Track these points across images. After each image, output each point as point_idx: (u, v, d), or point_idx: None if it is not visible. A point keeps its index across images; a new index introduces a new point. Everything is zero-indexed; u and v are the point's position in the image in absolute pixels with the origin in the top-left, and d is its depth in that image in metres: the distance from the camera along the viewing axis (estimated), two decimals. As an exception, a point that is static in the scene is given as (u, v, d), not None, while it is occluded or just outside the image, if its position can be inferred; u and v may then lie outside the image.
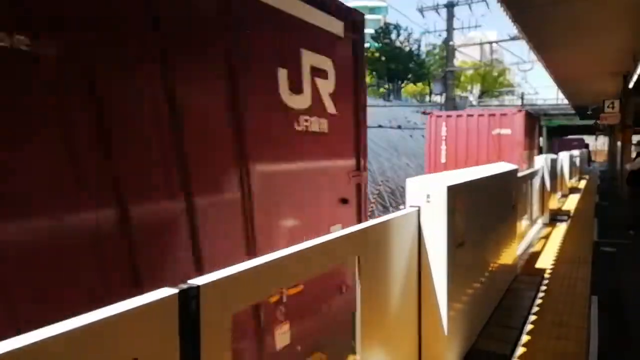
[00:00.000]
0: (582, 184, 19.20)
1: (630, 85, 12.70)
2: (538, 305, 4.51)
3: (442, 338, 2.98)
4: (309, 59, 3.14)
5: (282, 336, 2.81)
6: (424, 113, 17.05)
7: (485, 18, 46.28)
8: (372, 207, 16.44)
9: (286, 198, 3.01)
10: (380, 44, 40.85)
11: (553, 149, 30.86)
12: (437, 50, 32.41)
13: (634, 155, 13.71)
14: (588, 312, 4.36)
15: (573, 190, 16.00)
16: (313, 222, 3.22)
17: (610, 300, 4.84)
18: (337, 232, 2.22)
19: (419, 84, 44.29)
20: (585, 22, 8.17)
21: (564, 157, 13.98)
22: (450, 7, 21.27)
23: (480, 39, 26.16)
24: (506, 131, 12.71)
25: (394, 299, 2.69)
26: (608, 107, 15.40)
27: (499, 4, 7.47)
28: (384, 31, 31.60)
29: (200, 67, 2.45)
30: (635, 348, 3.83)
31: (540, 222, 9.04)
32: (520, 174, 6.14)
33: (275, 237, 2.92)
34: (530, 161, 13.06)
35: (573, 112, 31.84)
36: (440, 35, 24.13)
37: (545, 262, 6.19)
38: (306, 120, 3.14)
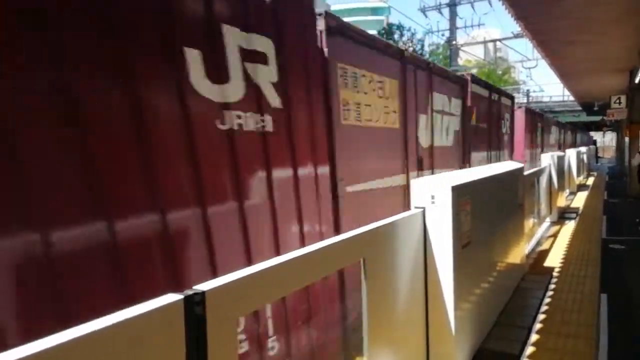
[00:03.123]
0: (590, 180, 19.05)
1: (637, 80, 12.58)
2: (547, 304, 4.48)
3: (450, 338, 2.97)
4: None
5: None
6: None
7: (488, 16, 46.14)
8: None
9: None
10: (384, 45, 40.53)
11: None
12: (440, 50, 32.30)
13: None
14: (597, 310, 4.32)
15: (581, 187, 15.87)
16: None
17: (619, 298, 4.79)
18: (343, 234, 2.22)
19: (423, 84, 43.80)
20: (589, 18, 8.10)
21: (571, 154, 13.88)
22: (452, 6, 21.21)
23: (484, 37, 26.02)
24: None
25: (401, 299, 2.69)
26: (615, 102, 15.27)
27: (501, 2, 7.44)
28: (387, 32, 31.55)
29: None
30: (647, 346, 3.79)
31: (548, 220, 8.98)
32: (526, 172, 6.10)
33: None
34: (533, 161, 12.71)
35: (580, 108, 31.58)
36: (443, 35, 24.07)
37: (554, 260, 6.14)
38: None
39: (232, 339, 1.50)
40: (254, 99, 2.72)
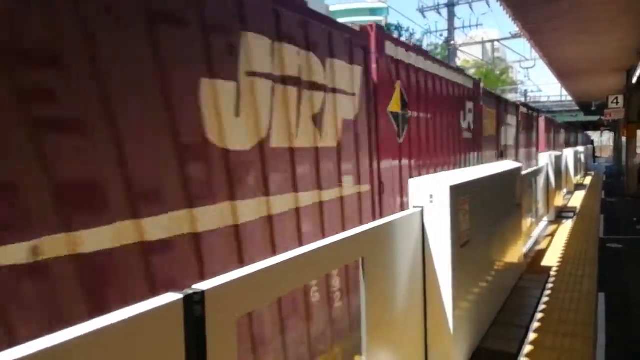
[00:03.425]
0: (588, 180, 19.09)
1: (634, 80, 12.62)
2: (545, 303, 4.49)
3: (449, 337, 2.98)
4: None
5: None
6: None
7: (486, 17, 46.32)
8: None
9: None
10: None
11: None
12: (439, 50, 32.32)
13: None
14: (595, 309, 4.34)
15: (578, 186, 15.91)
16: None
17: (617, 297, 4.81)
18: (341, 234, 2.23)
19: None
20: (587, 18, 8.13)
21: (568, 154, 13.91)
22: (450, 6, 21.22)
23: (482, 37, 26.02)
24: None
25: (399, 299, 2.69)
26: (612, 102, 15.31)
27: (499, 3, 7.46)
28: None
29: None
30: (644, 344, 3.81)
31: (545, 219, 9.00)
32: (524, 172, 6.13)
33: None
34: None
35: (577, 108, 31.66)
36: (441, 35, 24.07)
37: (552, 259, 6.16)
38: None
39: (231, 339, 1.51)
40: (468, 126, 7.25)
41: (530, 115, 14.31)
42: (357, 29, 4.06)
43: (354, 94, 3.79)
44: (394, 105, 4.65)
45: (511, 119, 11.16)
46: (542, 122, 17.19)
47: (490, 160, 8.66)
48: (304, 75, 3.16)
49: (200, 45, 2.39)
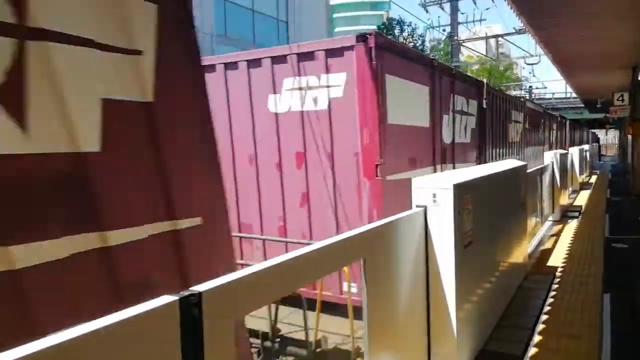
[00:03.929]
0: (593, 179, 18.99)
1: (640, 77, 12.50)
2: (549, 305, 4.44)
3: (452, 339, 2.94)
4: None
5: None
6: None
7: (490, 12, 45.90)
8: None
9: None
10: (385, 41, 40.19)
11: None
12: (442, 46, 32.17)
13: None
14: (600, 311, 4.29)
15: (584, 185, 15.82)
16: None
17: (622, 298, 4.75)
18: (343, 234, 2.19)
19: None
20: (592, 13, 8.03)
21: (573, 152, 13.83)
22: (454, 1, 21.06)
23: (486, 33, 25.78)
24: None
25: (402, 300, 2.65)
26: (618, 99, 15.18)
27: (504, -2, 7.37)
28: (387, 27, 31.40)
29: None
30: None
31: (550, 219, 8.94)
32: (529, 171, 6.07)
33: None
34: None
35: (582, 105, 31.46)
36: (444, 31, 23.95)
37: (556, 260, 6.10)
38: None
39: (228, 341, 1.47)
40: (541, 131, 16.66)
41: (561, 121, 22.82)
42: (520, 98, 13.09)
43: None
44: (526, 125, 11.63)
45: (553, 125, 19.19)
46: (567, 124, 25.33)
47: (545, 149, 15.30)
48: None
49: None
